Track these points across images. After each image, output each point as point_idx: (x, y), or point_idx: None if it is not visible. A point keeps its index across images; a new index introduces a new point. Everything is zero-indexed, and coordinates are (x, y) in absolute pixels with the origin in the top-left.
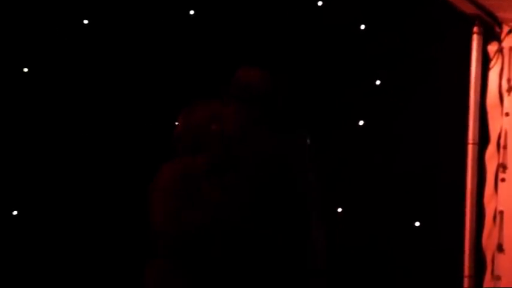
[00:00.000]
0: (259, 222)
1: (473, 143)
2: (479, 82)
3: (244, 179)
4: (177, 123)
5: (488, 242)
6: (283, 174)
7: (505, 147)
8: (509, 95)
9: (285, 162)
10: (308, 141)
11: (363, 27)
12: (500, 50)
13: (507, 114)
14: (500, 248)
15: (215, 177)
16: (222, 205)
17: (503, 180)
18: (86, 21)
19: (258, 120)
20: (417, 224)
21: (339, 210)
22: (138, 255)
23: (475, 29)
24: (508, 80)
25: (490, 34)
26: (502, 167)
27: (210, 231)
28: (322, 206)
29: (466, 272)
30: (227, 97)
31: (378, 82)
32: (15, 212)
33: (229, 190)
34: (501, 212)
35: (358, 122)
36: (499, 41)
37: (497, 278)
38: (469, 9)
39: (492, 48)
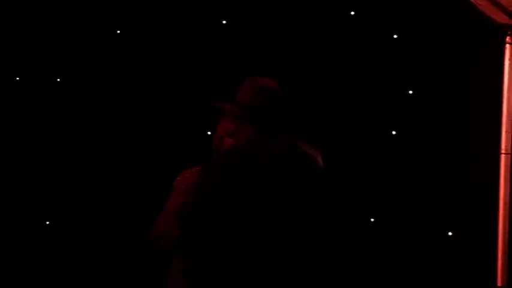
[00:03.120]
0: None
1: (505, 153)
2: (511, 92)
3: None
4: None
5: None
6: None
7: None
8: None
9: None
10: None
11: (395, 36)
12: None
13: None
14: None
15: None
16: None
17: None
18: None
19: (263, 134)
20: (450, 233)
21: (372, 220)
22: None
23: (508, 38)
24: None
25: None
26: None
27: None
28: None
29: (499, 282)
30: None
31: (410, 92)
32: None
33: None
34: None
35: (391, 131)
36: None
37: None
38: (501, 18)
39: None
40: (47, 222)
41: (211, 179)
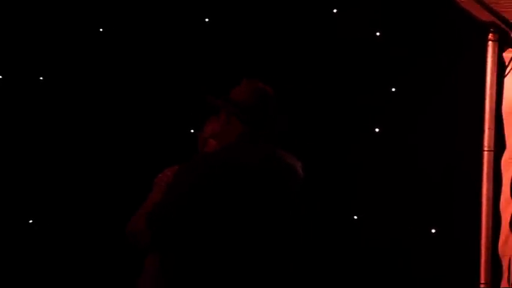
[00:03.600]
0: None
1: (488, 150)
2: (494, 89)
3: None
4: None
5: (505, 248)
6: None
7: None
8: None
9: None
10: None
11: (378, 34)
12: None
13: None
14: None
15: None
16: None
17: None
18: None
19: (248, 137)
20: (433, 230)
21: (355, 217)
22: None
23: (490, 36)
24: None
25: (506, 41)
26: None
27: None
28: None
29: (482, 279)
30: (223, 113)
31: (393, 89)
32: (30, 220)
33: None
34: None
35: (374, 129)
36: None
37: None
38: (484, 16)
39: (508, 55)
40: (31, 221)
41: (185, 179)
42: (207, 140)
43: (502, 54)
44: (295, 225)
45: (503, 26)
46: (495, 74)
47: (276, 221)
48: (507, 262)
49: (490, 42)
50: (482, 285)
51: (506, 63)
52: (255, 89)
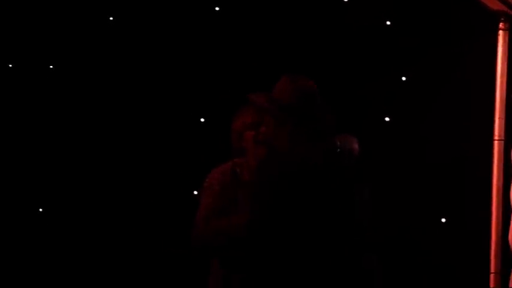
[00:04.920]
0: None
1: (499, 139)
2: (505, 78)
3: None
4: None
5: None
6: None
7: None
8: None
9: (322, 173)
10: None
11: (388, 23)
12: None
13: None
14: None
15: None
16: (253, 212)
17: None
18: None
19: (292, 130)
20: (443, 220)
21: None
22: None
23: (501, 25)
24: None
25: None
26: None
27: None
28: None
29: (492, 268)
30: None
31: (403, 78)
32: (40, 209)
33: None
34: None
35: (384, 118)
36: None
37: None
38: (495, 5)
39: None
40: (40, 210)
41: (263, 193)
42: (242, 134)
43: None
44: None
45: None
46: (506, 63)
47: (341, 214)
48: None
49: (500, 32)
50: (492, 274)
51: None
52: (298, 88)
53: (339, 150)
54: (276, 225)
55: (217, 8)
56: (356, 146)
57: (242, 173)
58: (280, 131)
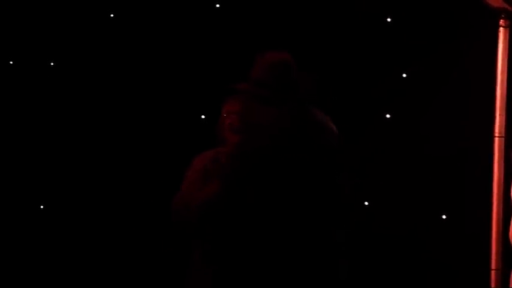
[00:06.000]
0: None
1: (499, 136)
2: (505, 75)
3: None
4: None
5: None
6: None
7: None
8: None
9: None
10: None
11: (389, 20)
12: None
13: None
14: None
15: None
16: (239, 180)
17: None
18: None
19: (267, 100)
20: (444, 216)
21: (366, 203)
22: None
23: (501, 22)
24: None
25: None
26: None
27: (226, 204)
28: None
29: (493, 265)
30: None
31: (404, 75)
32: (41, 206)
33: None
34: None
35: (385, 115)
36: None
37: None
38: (496, 2)
39: None
40: (41, 206)
41: (230, 168)
42: (225, 118)
43: None
44: (336, 182)
45: None
46: (506, 60)
47: (315, 182)
48: None
49: (501, 29)
50: (493, 271)
51: None
52: (267, 61)
53: (315, 119)
54: (247, 197)
55: (217, 5)
56: (332, 124)
57: (222, 160)
58: (257, 107)
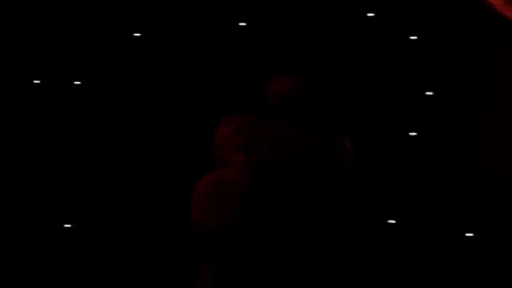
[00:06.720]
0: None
1: None
2: None
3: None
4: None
5: None
6: (320, 177)
7: None
8: None
9: (322, 164)
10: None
11: (412, 38)
12: None
13: None
14: None
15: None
16: (252, 204)
17: None
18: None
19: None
20: (470, 235)
21: (391, 221)
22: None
23: None
24: None
25: None
26: None
27: (240, 227)
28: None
29: None
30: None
31: (428, 93)
32: (67, 225)
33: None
34: None
35: (409, 133)
36: None
37: None
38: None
39: None
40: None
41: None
42: (223, 145)
43: None
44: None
45: None
46: None
47: (328, 198)
48: None
49: None
50: None
51: None
52: (281, 81)
53: (324, 136)
54: (265, 215)
55: (242, 23)
56: (348, 144)
57: (228, 181)
58: (267, 130)
